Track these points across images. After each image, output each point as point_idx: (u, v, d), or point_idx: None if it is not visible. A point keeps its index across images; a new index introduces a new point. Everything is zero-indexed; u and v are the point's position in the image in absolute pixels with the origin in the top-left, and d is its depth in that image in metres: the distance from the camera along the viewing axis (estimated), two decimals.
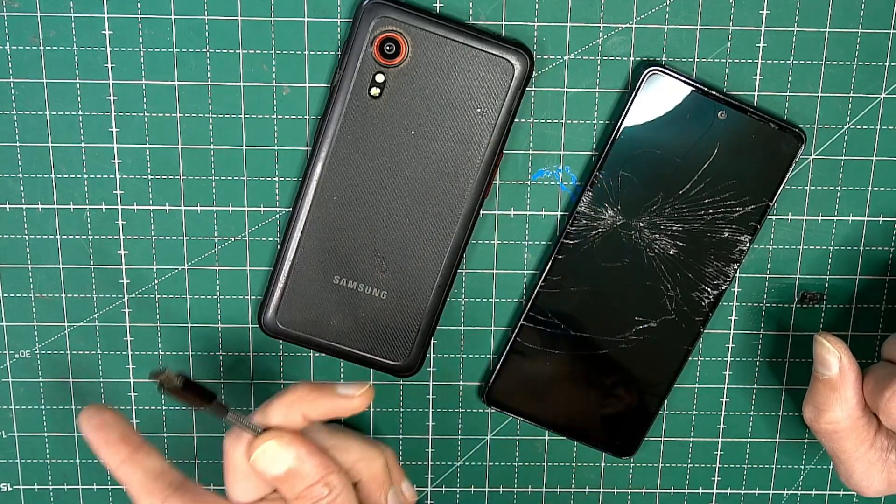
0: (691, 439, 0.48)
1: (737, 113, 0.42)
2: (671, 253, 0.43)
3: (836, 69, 0.43)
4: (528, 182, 0.45)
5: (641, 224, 0.43)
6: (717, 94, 0.42)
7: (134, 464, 0.37)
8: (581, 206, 0.44)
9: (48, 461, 0.48)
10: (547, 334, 0.45)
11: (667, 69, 0.42)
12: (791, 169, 0.43)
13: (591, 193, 0.43)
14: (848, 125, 0.44)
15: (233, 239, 0.45)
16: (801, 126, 0.43)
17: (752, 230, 0.43)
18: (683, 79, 0.42)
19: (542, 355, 0.45)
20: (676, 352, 0.45)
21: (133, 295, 0.46)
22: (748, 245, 0.44)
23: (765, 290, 0.46)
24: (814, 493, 0.49)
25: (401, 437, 0.48)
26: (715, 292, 0.44)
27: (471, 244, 0.45)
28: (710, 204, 0.43)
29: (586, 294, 0.45)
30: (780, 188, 0.43)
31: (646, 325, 0.45)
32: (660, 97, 0.42)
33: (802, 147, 0.43)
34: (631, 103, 0.42)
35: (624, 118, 0.43)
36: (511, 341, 0.46)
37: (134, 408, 0.47)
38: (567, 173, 0.44)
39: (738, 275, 0.46)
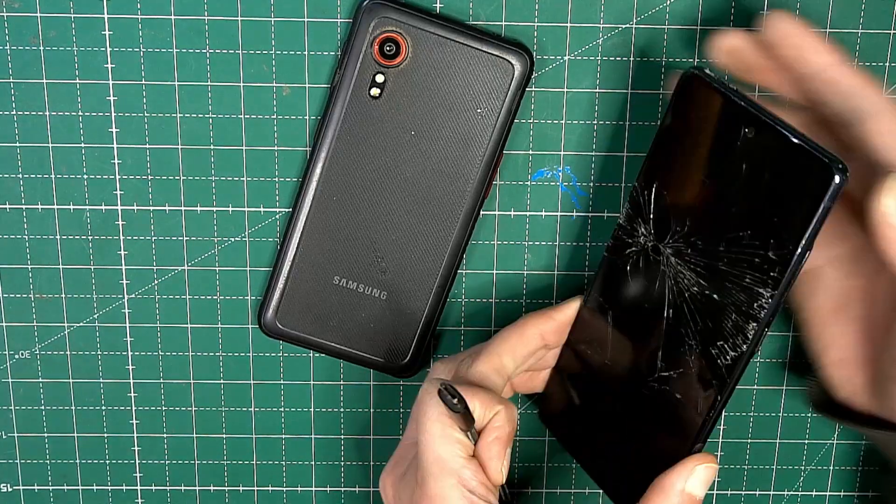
0: None
1: (779, 132, 0.34)
2: (694, 290, 0.38)
3: None
4: (528, 182, 0.45)
5: (669, 251, 0.38)
6: (766, 114, 0.34)
7: None
8: (620, 220, 0.40)
9: (48, 461, 0.48)
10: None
11: (707, 77, 0.36)
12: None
13: (628, 206, 0.39)
14: None
15: (233, 239, 0.45)
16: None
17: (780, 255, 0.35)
18: (725, 91, 0.36)
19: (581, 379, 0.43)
20: (692, 422, 0.38)
21: (133, 295, 0.46)
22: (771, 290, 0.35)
23: None
24: (814, 493, 0.49)
25: (401, 437, 0.48)
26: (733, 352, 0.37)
27: (471, 244, 0.45)
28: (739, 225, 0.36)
29: (616, 321, 0.40)
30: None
31: (667, 374, 0.39)
32: (698, 108, 0.36)
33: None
34: (669, 111, 0.37)
35: (662, 126, 0.38)
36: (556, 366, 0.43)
37: (134, 408, 0.47)
38: (567, 173, 0.44)
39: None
